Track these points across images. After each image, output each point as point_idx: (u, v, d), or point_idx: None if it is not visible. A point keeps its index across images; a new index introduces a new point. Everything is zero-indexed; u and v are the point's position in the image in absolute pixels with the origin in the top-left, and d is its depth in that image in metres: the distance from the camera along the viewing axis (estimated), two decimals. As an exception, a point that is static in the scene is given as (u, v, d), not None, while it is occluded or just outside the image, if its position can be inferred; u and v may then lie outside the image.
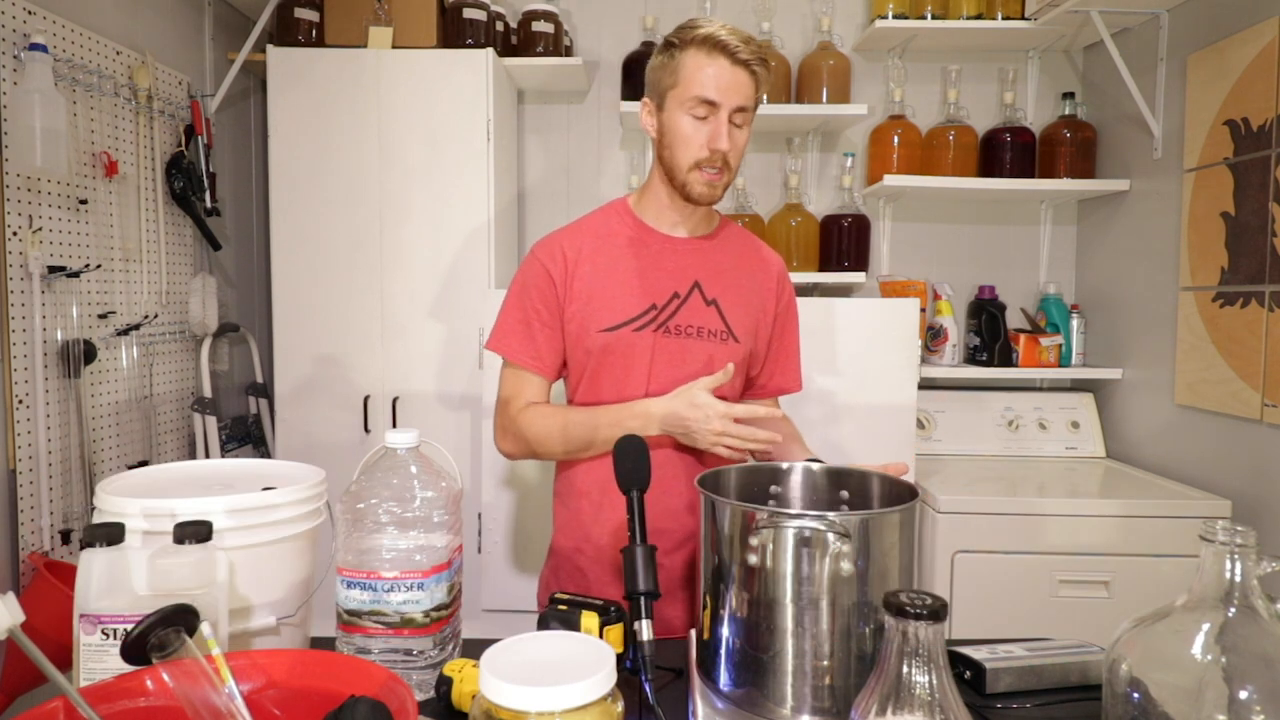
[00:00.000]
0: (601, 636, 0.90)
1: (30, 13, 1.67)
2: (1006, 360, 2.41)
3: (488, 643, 0.70)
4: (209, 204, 2.22)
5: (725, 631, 0.87)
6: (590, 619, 0.91)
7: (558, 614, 0.93)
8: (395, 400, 2.23)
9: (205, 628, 0.70)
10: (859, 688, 0.82)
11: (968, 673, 0.99)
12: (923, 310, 2.42)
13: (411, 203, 2.21)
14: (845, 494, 1.02)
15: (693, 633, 0.98)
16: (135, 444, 2.02)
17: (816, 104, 2.37)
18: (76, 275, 1.79)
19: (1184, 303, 2.07)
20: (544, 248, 1.28)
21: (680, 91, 1.19)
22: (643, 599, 0.87)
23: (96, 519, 0.86)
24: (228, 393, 2.45)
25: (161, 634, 0.67)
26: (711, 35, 1.16)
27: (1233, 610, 0.69)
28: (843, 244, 2.42)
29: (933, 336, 2.47)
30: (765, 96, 1.24)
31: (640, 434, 1.12)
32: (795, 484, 1.05)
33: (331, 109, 2.19)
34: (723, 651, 0.87)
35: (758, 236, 1.42)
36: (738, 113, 1.18)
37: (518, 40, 2.39)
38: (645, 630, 0.86)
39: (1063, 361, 2.43)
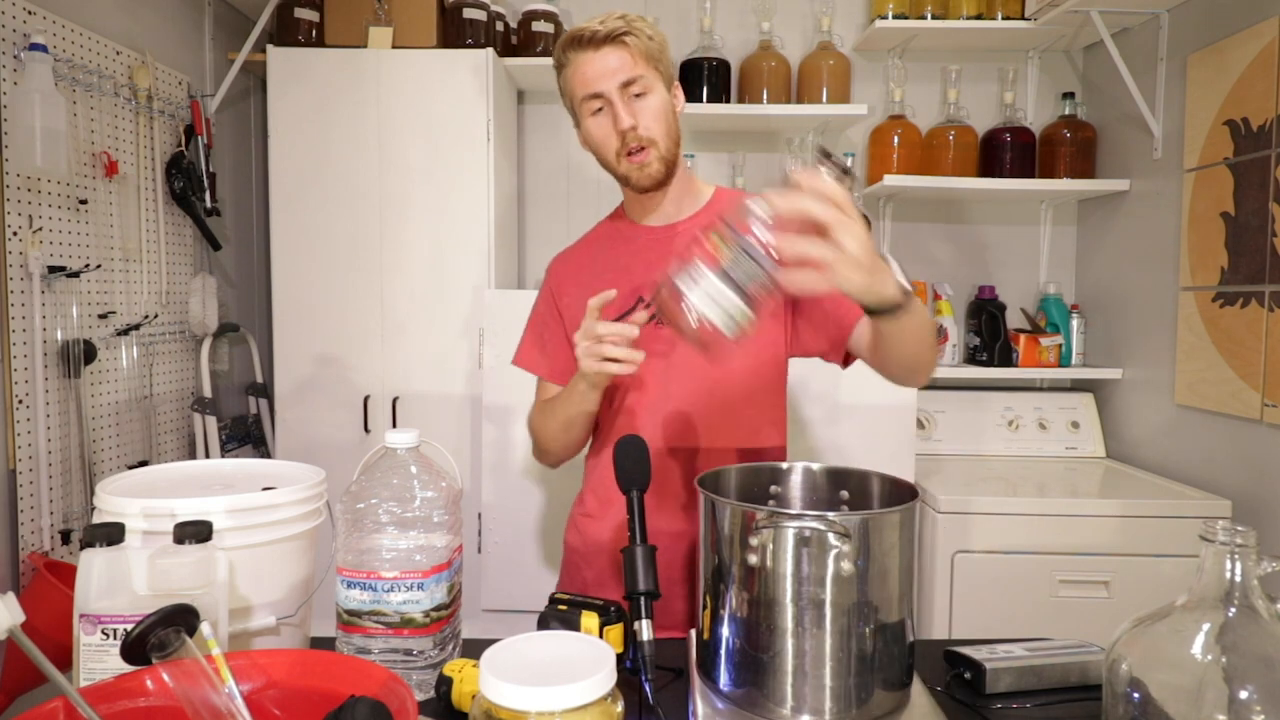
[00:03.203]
0: (601, 636, 0.90)
1: (30, 13, 1.67)
2: (1006, 360, 2.41)
3: (488, 643, 0.70)
4: (209, 204, 2.22)
5: (725, 631, 0.87)
6: (590, 619, 0.91)
7: (558, 614, 0.93)
8: (395, 400, 2.23)
9: (205, 628, 0.70)
10: (859, 688, 0.82)
11: (968, 673, 0.99)
12: (923, 310, 2.42)
13: (411, 203, 2.21)
14: (845, 494, 1.02)
15: (693, 633, 0.98)
16: (135, 444, 2.02)
17: (816, 104, 2.37)
18: (76, 275, 1.79)
19: (1184, 303, 2.07)
20: (549, 268, 1.36)
21: (575, 104, 1.20)
22: (643, 599, 0.87)
23: (96, 519, 0.86)
24: (228, 393, 2.45)
25: (161, 634, 0.67)
26: (569, 36, 1.17)
27: (1233, 610, 0.69)
28: (843, 244, 2.41)
29: (933, 336, 2.46)
30: (662, 58, 1.19)
31: (572, 392, 1.15)
32: (795, 484, 1.05)
33: (331, 109, 2.19)
34: (723, 651, 0.87)
35: None
36: (626, 86, 1.15)
37: (518, 40, 2.39)
38: (645, 630, 0.86)
39: (1063, 361, 2.44)
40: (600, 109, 1.17)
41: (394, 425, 2.23)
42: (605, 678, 0.64)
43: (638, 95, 1.16)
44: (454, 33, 2.23)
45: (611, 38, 1.14)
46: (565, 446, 1.30)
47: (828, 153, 0.83)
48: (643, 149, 1.16)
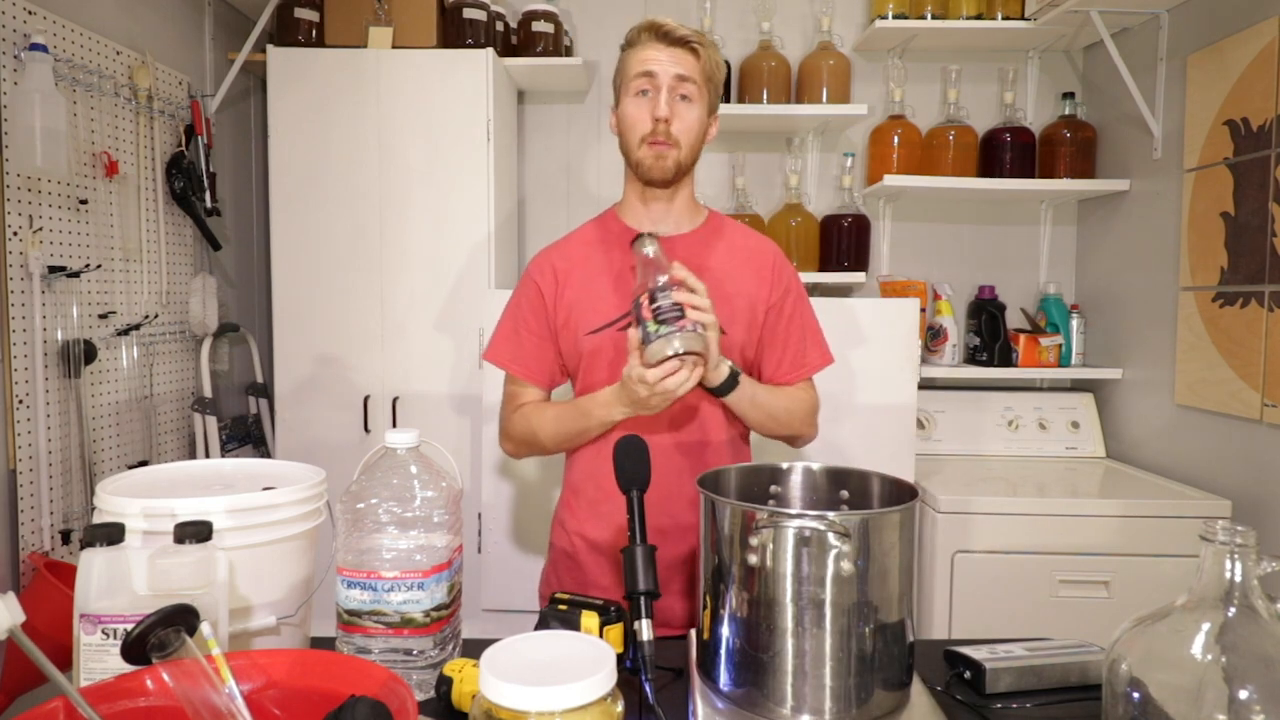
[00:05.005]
0: (601, 636, 0.90)
1: (30, 13, 1.67)
2: (1006, 360, 2.41)
3: (488, 643, 0.71)
4: (209, 204, 2.22)
5: (725, 631, 0.87)
6: (590, 619, 0.91)
7: (558, 614, 0.93)
8: (395, 400, 2.23)
9: (205, 628, 0.70)
10: (859, 688, 0.82)
11: (968, 673, 0.99)
12: (923, 310, 2.42)
13: (411, 203, 2.21)
14: (845, 494, 1.02)
15: (693, 633, 0.99)
16: (135, 444, 2.02)
17: (816, 104, 2.37)
18: (76, 275, 1.79)
19: (1184, 303, 2.07)
20: (536, 264, 1.34)
21: (625, 81, 1.25)
22: (643, 599, 0.87)
23: (96, 519, 0.86)
24: (228, 393, 2.45)
25: (161, 634, 0.67)
26: (647, 23, 1.23)
27: (1233, 610, 0.69)
28: (843, 244, 2.42)
29: (933, 336, 2.47)
30: (718, 86, 1.29)
31: (610, 418, 1.20)
32: (795, 484, 1.05)
33: (331, 109, 2.19)
34: (723, 651, 0.87)
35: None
36: (679, 83, 1.21)
37: (518, 40, 2.39)
38: (645, 630, 0.86)
39: (1063, 361, 2.43)
40: (645, 91, 1.22)
41: (394, 425, 2.23)
42: (605, 678, 0.64)
43: (684, 98, 1.23)
44: (454, 33, 2.23)
45: (686, 42, 1.22)
46: (562, 449, 1.32)
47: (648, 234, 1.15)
48: (666, 144, 1.22)
